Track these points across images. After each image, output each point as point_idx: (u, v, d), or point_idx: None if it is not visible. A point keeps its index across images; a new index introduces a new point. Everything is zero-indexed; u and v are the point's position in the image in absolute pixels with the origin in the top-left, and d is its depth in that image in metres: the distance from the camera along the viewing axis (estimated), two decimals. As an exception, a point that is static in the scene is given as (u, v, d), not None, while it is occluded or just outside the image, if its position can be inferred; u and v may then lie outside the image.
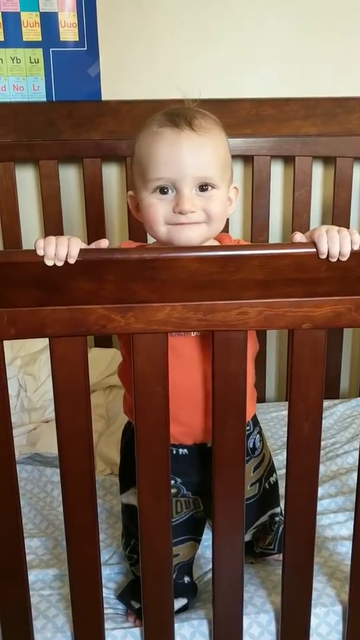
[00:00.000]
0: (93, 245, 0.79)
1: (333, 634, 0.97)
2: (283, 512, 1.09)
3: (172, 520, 0.94)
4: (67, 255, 0.73)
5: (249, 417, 0.99)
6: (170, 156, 0.85)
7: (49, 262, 0.73)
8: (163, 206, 0.87)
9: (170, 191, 0.87)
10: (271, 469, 1.07)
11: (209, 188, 0.87)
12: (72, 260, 0.73)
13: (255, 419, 1.04)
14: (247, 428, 0.98)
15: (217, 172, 0.87)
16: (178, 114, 0.88)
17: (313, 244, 0.75)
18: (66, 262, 0.73)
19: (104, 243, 0.80)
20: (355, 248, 0.74)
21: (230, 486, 0.85)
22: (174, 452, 0.95)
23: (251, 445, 1.02)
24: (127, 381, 0.95)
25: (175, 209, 0.86)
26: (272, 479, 1.07)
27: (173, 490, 0.96)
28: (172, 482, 0.93)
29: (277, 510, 1.08)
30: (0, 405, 0.81)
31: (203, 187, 0.87)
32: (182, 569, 1.00)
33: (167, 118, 0.88)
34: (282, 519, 1.08)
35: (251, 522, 1.05)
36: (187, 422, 0.93)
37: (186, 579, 1.01)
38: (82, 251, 0.74)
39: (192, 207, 0.86)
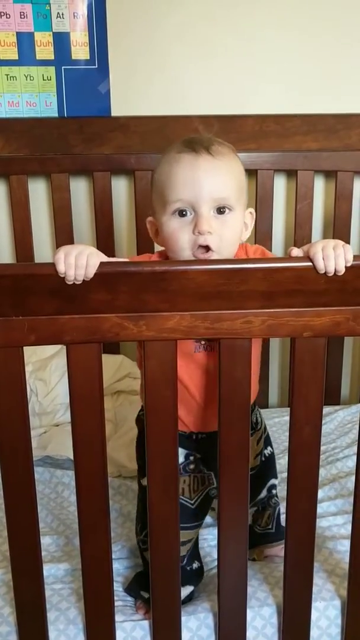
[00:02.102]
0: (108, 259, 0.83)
1: (332, 627, 1.01)
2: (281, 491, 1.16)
3: (191, 502, 1.03)
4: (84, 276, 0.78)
5: (252, 399, 1.05)
6: (189, 178, 0.89)
7: (69, 282, 0.78)
8: (186, 231, 0.91)
9: (188, 213, 0.91)
10: (267, 440, 1.14)
11: (226, 210, 0.91)
12: (89, 278, 0.78)
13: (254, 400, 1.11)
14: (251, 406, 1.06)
15: (233, 194, 0.91)
16: (196, 141, 0.93)
17: (310, 260, 0.80)
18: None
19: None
20: (348, 265, 0.79)
21: (236, 482, 0.90)
22: (194, 437, 1.04)
23: (254, 420, 1.10)
24: None
25: (194, 230, 0.90)
26: (267, 451, 1.14)
27: (192, 466, 1.05)
28: (192, 457, 1.04)
29: (275, 482, 1.15)
30: (19, 407, 0.86)
31: (220, 210, 0.91)
32: (192, 555, 1.05)
33: (185, 144, 0.93)
34: (277, 497, 1.15)
35: (254, 495, 1.11)
36: (201, 416, 1.01)
37: (195, 565, 1.06)
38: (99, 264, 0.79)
39: (209, 228, 0.89)
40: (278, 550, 1.11)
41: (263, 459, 1.13)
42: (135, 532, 1.12)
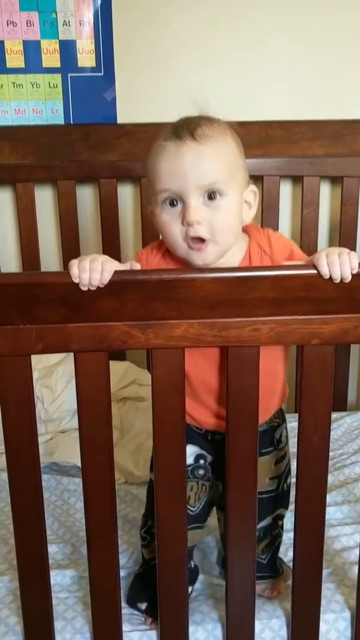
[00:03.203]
0: (127, 266, 0.83)
1: (342, 639, 1.00)
2: (290, 522, 1.11)
3: (193, 509, 1.00)
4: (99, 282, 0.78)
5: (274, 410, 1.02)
6: (173, 168, 0.87)
7: (84, 288, 0.78)
8: (176, 223, 0.88)
9: (178, 203, 0.88)
10: (289, 471, 1.08)
11: (217, 196, 0.87)
12: (102, 285, 0.78)
13: (283, 416, 1.07)
14: (277, 420, 1.04)
15: (222, 177, 0.87)
16: (182, 125, 0.89)
17: (315, 267, 0.79)
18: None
19: (136, 267, 0.85)
20: (354, 272, 0.79)
21: (243, 493, 0.89)
22: (208, 436, 1.00)
23: (278, 437, 1.04)
24: None
25: (183, 221, 0.87)
26: (288, 482, 1.07)
27: (201, 471, 1.01)
28: (202, 460, 1.00)
29: (284, 512, 1.08)
30: (27, 415, 0.86)
31: (211, 196, 0.87)
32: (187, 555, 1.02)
33: (171, 130, 0.89)
34: (281, 532, 1.09)
35: (260, 518, 1.03)
36: (215, 415, 0.97)
37: (192, 563, 1.04)
38: None
39: (197, 218, 0.86)
40: (261, 590, 1.05)
41: (285, 487, 1.06)
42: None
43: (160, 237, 0.94)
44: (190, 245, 0.89)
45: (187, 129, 0.88)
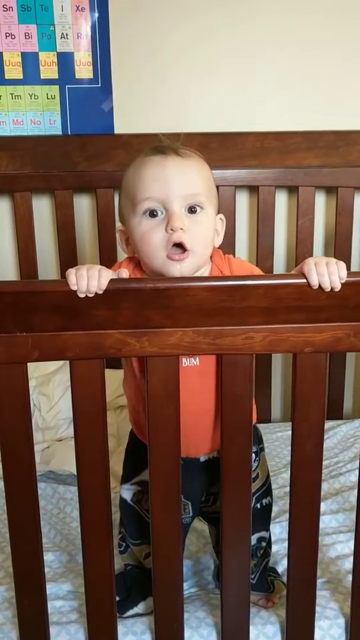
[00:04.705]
0: (115, 274, 0.84)
1: (336, 645, 1.01)
2: (285, 530, 1.12)
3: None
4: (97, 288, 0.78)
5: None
6: (158, 176, 0.89)
7: (82, 295, 0.79)
8: (158, 230, 0.88)
9: (159, 213, 0.89)
10: (266, 491, 1.06)
11: (198, 209, 0.90)
12: (100, 292, 0.79)
13: (253, 440, 1.03)
14: None
15: (204, 191, 0.90)
16: (164, 145, 0.93)
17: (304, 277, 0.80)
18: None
19: (124, 273, 0.86)
20: (343, 282, 0.80)
21: (238, 500, 0.90)
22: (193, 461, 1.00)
23: None
24: (134, 396, 1.00)
25: (166, 228, 0.88)
26: (265, 501, 1.06)
27: None
28: None
29: (266, 535, 1.07)
30: (23, 423, 0.87)
31: (192, 209, 0.90)
32: None
33: (153, 148, 0.93)
34: (269, 550, 1.09)
35: None
36: (184, 440, 0.95)
37: None
38: None
39: (181, 225, 0.88)
40: (255, 599, 1.05)
41: (259, 506, 1.04)
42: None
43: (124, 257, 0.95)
44: (170, 256, 0.89)
45: (169, 147, 0.91)
